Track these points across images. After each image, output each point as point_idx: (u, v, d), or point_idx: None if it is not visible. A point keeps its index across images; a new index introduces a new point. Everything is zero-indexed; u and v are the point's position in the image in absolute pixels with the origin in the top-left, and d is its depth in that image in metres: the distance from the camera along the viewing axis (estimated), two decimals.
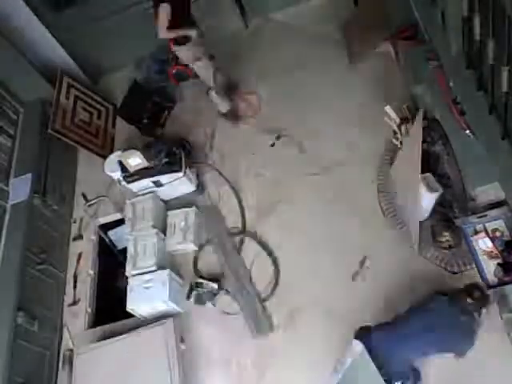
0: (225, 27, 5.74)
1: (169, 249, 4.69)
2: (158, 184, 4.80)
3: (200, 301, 4.38)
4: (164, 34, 4.32)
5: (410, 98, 4.36)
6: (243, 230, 4.63)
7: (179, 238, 4.66)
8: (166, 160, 4.68)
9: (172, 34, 4.37)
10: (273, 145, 4.95)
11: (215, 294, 4.36)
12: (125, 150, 4.80)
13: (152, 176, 4.74)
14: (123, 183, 4.85)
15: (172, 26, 4.25)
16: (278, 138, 4.96)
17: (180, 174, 4.72)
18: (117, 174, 4.87)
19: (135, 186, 4.84)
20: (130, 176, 4.75)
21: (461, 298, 3.19)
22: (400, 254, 3.95)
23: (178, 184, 4.81)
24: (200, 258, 4.66)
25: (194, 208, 4.76)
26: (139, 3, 5.41)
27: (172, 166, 4.69)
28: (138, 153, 4.60)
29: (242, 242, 4.58)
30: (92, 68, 6.04)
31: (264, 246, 4.47)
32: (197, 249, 4.68)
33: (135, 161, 4.63)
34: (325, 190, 4.47)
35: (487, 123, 2.73)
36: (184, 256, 4.69)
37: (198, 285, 4.39)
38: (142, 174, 4.73)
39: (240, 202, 4.78)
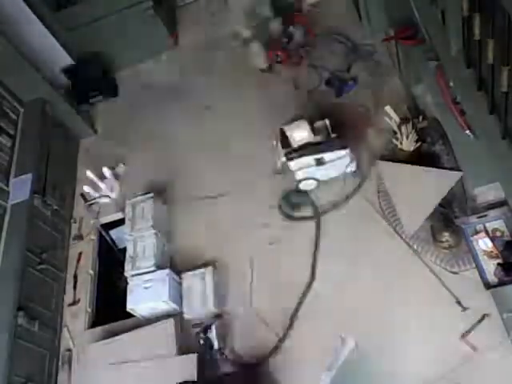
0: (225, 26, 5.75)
1: (188, 317, 4.29)
2: (319, 162, 4.17)
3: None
4: None
5: (410, 97, 4.37)
6: None
7: (197, 302, 4.24)
8: (335, 135, 4.10)
9: None
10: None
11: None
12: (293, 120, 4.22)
13: (319, 153, 4.10)
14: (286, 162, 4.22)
15: None
16: None
17: (344, 152, 4.12)
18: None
19: (295, 164, 4.21)
20: (294, 151, 4.15)
21: None
22: None
23: (339, 163, 4.20)
24: None
25: (210, 268, 4.33)
26: (139, 3, 5.42)
27: (341, 142, 4.09)
28: (305, 124, 4.05)
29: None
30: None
31: None
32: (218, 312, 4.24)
33: (302, 134, 4.07)
34: None
35: (487, 123, 2.73)
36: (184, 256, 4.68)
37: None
38: (307, 149, 4.11)
39: None
